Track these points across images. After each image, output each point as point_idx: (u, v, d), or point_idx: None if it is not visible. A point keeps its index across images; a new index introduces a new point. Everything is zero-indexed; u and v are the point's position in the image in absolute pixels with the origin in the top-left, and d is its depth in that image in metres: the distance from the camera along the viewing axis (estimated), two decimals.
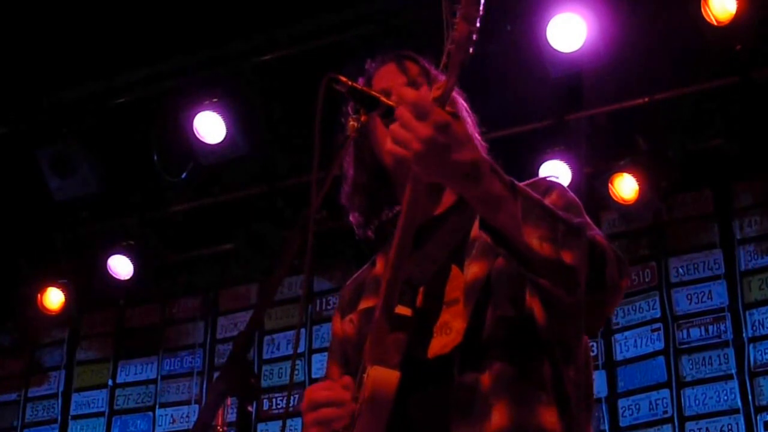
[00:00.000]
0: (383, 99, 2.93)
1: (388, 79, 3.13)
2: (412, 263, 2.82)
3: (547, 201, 2.83)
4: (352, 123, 2.88)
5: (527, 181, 3.00)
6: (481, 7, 2.48)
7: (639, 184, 6.84)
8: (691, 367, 6.90)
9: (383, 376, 2.68)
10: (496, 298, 2.77)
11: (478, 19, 2.48)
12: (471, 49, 2.50)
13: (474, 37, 2.48)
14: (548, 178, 3.02)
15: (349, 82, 2.88)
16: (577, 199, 2.93)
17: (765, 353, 6.75)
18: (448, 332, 2.80)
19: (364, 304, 3.09)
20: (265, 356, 8.13)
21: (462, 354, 2.75)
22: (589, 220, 2.85)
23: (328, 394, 2.81)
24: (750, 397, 6.68)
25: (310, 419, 2.80)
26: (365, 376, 2.70)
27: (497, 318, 2.75)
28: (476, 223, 2.85)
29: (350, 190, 3.18)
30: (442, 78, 2.57)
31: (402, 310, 2.74)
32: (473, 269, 2.83)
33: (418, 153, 2.46)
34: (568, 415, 2.75)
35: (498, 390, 2.69)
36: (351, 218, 3.20)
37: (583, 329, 2.84)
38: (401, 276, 2.72)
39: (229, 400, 2.38)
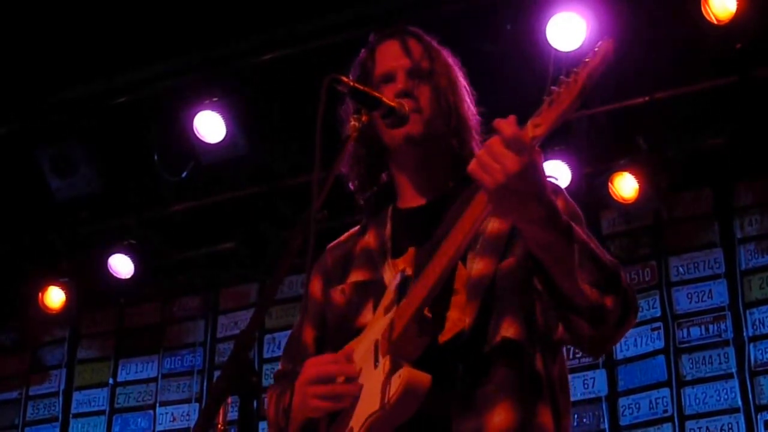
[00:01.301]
0: (385, 100, 2.95)
1: (391, 60, 3.13)
2: (427, 257, 2.84)
3: None
4: (353, 123, 2.90)
5: None
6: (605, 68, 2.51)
7: (639, 183, 6.84)
8: (691, 366, 6.90)
9: (416, 378, 2.70)
10: (501, 301, 2.82)
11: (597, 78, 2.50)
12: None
13: (587, 92, 2.50)
14: (549, 180, 3.03)
15: (351, 83, 2.90)
16: (579, 209, 2.99)
17: (765, 352, 6.75)
18: (447, 322, 2.84)
19: (355, 277, 3.11)
20: (266, 355, 8.13)
21: (466, 352, 2.79)
22: (590, 233, 2.90)
23: (335, 368, 2.84)
24: (750, 396, 6.69)
25: (314, 392, 2.82)
26: (396, 376, 2.70)
27: (502, 320, 2.80)
28: None
29: (350, 160, 3.20)
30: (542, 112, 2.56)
31: (425, 310, 2.76)
32: (478, 265, 2.86)
33: (499, 184, 2.50)
34: (558, 414, 2.82)
35: (501, 389, 2.75)
36: (350, 185, 3.22)
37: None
38: (439, 288, 2.74)
39: (230, 399, 2.38)
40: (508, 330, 2.79)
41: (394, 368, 2.72)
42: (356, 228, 3.27)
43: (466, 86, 3.20)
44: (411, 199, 3.13)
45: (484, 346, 2.79)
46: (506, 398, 2.73)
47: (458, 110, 3.10)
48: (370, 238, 3.16)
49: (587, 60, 2.49)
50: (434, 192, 3.08)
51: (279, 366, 3.28)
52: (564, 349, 2.98)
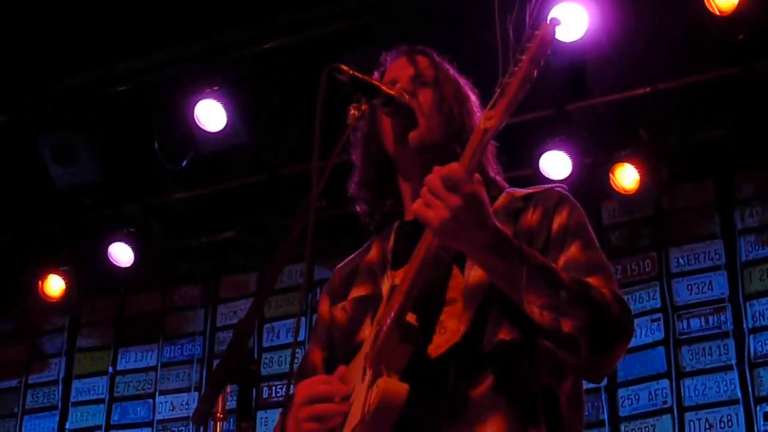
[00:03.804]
0: (384, 88, 2.94)
1: (396, 71, 3.13)
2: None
3: (556, 220, 2.87)
4: (353, 111, 2.89)
5: (538, 187, 3.01)
6: (549, 51, 2.49)
7: (640, 174, 6.84)
8: (690, 357, 6.90)
9: (393, 388, 2.67)
10: (497, 308, 2.77)
11: (541, 63, 2.50)
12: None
13: (534, 76, 2.50)
14: (556, 188, 3.00)
15: (351, 71, 2.89)
16: (585, 217, 2.94)
17: (765, 344, 6.75)
18: (443, 332, 2.81)
19: (356, 292, 3.10)
20: (265, 344, 8.13)
21: (459, 359, 2.76)
22: (596, 243, 2.87)
23: (326, 388, 2.82)
24: (750, 388, 6.68)
25: (305, 414, 2.79)
26: (374, 386, 2.68)
27: (497, 328, 2.76)
28: None
29: (358, 181, 3.19)
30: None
31: (409, 317, 2.73)
32: (476, 273, 2.82)
33: (443, 219, 2.52)
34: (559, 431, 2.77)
35: (492, 402, 2.70)
36: (358, 209, 3.21)
37: None
38: (418, 289, 2.72)
39: (229, 388, 2.38)
40: (504, 336, 2.75)
41: (375, 379, 2.69)
42: (365, 246, 3.25)
43: (478, 106, 3.15)
44: None
45: (479, 351, 2.75)
46: (499, 411, 2.69)
47: (464, 122, 3.05)
48: (373, 253, 3.14)
49: (529, 45, 2.48)
50: None
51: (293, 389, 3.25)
52: None
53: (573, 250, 2.79)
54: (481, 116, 2.58)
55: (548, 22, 2.49)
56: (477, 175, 2.58)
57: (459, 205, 2.51)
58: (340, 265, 3.29)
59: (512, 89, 2.49)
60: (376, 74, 3.17)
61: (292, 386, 3.14)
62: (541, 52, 2.48)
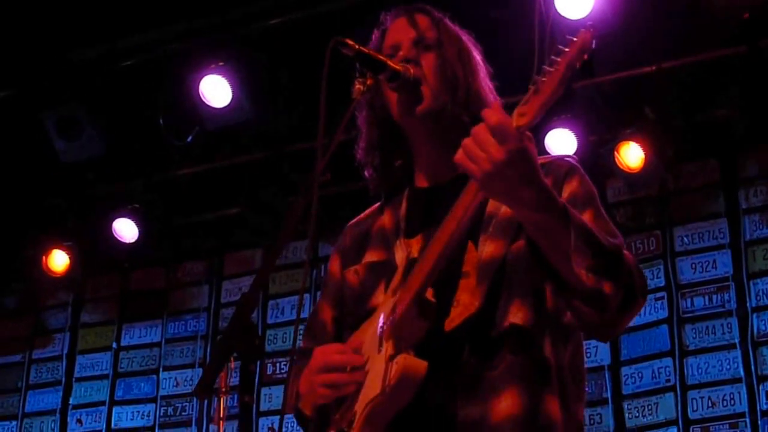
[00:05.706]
0: (390, 63, 2.93)
1: (397, 33, 3.10)
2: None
3: (566, 188, 2.89)
4: (358, 86, 2.89)
5: (545, 157, 2.99)
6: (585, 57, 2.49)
7: (645, 153, 6.83)
8: (694, 335, 6.91)
9: (413, 365, 2.70)
10: (511, 283, 2.80)
11: (577, 67, 2.50)
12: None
13: (568, 79, 2.50)
14: (567, 159, 3.02)
15: (356, 46, 2.88)
16: (594, 188, 2.95)
17: None
18: (457, 306, 2.82)
19: (370, 257, 3.09)
20: (270, 321, 8.14)
21: (473, 335, 2.78)
22: (605, 213, 2.89)
23: (341, 358, 2.84)
24: (752, 367, 6.69)
25: (320, 380, 2.83)
26: (393, 362, 2.71)
27: (511, 303, 2.78)
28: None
29: (365, 146, 3.17)
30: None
31: (428, 293, 2.75)
32: (489, 248, 2.84)
33: (486, 173, 2.50)
34: (566, 403, 2.80)
35: (508, 375, 2.73)
36: (366, 173, 3.18)
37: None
38: (441, 268, 2.73)
39: (233, 363, 2.39)
40: (516, 315, 2.77)
41: (394, 353, 2.73)
42: (376, 206, 3.23)
43: (482, 63, 3.14)
44: (426, 179, 3.09)
45: (492, 330, 2.78)
46: (513, 385, 2.72)
47: (469, 84, 3.03)
48: (386, 218, 3.13)
49: (566, 49, 2.48)
50: (449, 171, 2.97)
51: (301, 343, 3.27)
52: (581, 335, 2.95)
53: (586, 217, 2.78)
54: (513, 113, 2.54)
55: (585, 31, 2.50)
56: (528, 132, 2.55)
57: (502, 159, 2.47)
58: (351, 223, 3.28)
59: (548, 89, 2.49)
60: (376, 34, 3.14)
61: (300, 341, 3.21)
62: (577, 58, 2.48)
